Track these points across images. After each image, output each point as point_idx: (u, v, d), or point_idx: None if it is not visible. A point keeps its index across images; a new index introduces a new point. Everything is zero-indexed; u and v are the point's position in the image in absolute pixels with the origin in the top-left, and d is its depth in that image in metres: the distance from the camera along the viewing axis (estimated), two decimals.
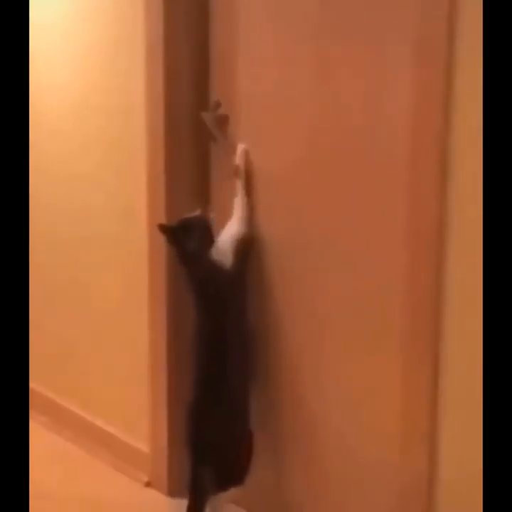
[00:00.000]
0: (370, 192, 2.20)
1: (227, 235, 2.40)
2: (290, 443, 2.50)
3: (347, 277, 2.28)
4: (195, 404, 2.43)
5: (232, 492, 2.46)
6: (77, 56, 2.88)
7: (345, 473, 2.35)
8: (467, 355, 1.98)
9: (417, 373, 2.07)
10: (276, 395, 2.50)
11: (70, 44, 2.90)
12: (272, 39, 2.38)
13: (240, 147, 2.42)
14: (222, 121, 2.50)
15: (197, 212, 2.40)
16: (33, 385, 3.00)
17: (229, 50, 2.49)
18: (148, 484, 2.81)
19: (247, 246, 2.43)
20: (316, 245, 2.34)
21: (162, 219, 2.54)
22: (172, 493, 2.71)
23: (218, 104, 2.51)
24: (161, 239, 2.46)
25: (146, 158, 2.64)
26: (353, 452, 2.32)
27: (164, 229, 2.42)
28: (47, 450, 2.94)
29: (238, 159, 2.42)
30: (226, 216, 2.43)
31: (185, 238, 2.37)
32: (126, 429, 2.92)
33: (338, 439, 2.36)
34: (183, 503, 2.44)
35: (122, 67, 2.72)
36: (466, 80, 1.90)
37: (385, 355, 2.20)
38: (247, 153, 2.42)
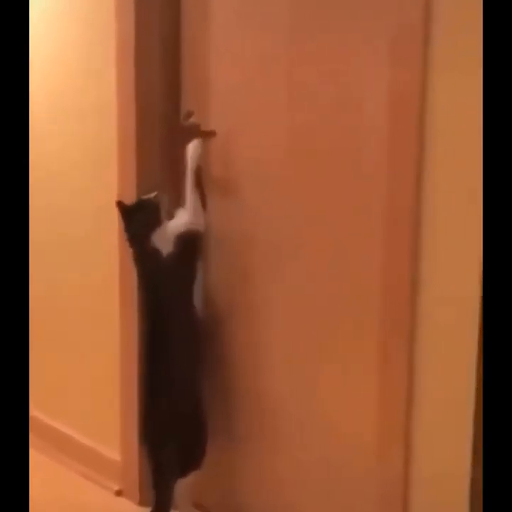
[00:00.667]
0: (347, 189, 2.21)
1: (174, 224, 2.41)
2: (256, 447, 2.50)
3: (320, 277, 2.29)
4: (144, 385, 2.49)
5: (191, 481, 2.46)
6: (49, 57, 2.89)
7: (318, 476, 2.36)
8: (441, 356, 2.00)
9: (392, 374, 2.08)
10: (244, 399, 2.50)
11: (43, 46, 2.91)
12: (245, 39, 2.39)
13: (195, 141, 2.43)
14: (195, 129, 2.52)
15: (152, 195, 2.41)
16: None
17: (201, 50, 2.49)
18: (119, 493, 2.80)
19: (194, 237, 2.43)
20: (289, 242, 2.35)
21: None
22: (143, 502, 2.69)
23: (190, 114, 2.52)
24: None
25: (117, 159, 2.65)
26: (326, 454, 2.32)
27: (119, 207, 2.43)
28: None
29: (189, 152, 2.42)
30: None
31: (131, 220, 2.40)
32: (96, 438, 2.90)
33: (306, 440, 2.37)
34: None
35: (94, 69, 2.73)
36: (441, 78, 1.92)
37: (360, 355, 2.20)
38: (200, 147, 2.42)
